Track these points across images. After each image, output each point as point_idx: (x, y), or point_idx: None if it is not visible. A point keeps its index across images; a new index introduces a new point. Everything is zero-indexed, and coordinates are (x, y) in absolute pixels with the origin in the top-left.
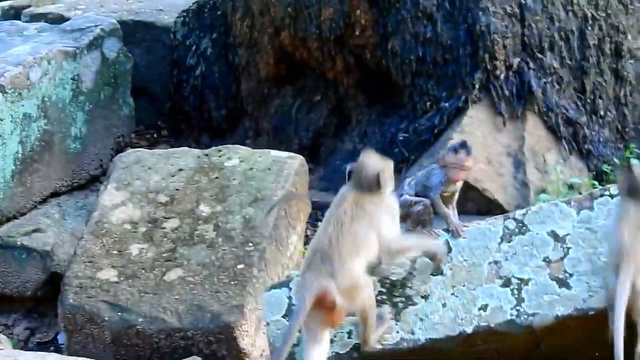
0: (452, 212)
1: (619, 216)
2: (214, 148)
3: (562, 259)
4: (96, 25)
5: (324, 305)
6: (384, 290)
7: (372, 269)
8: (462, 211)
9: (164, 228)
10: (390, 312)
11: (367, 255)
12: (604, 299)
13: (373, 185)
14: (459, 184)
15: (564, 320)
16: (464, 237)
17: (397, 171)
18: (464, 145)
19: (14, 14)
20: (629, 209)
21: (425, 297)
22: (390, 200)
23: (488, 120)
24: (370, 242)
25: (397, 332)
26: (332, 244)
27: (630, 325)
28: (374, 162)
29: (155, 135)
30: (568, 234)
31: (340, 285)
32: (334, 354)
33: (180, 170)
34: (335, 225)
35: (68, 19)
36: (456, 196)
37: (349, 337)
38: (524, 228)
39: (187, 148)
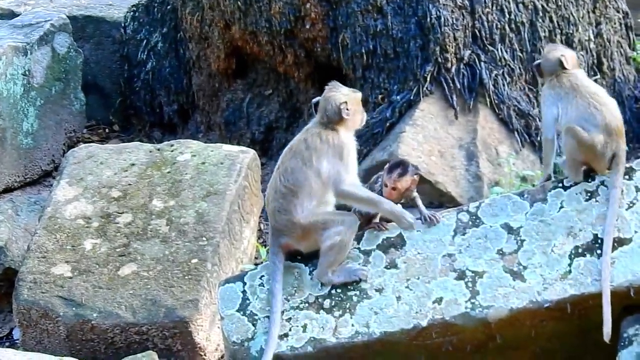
0: (418, 203)
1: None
2: (165, 143)
3: (516, 251)
4: (46, 21)
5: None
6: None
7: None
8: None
9: (117, 223)
10: (363, 274)
11: (310, 195)
12: (558, 290)
13: (335, 116)
14: (409, 189)
15: (519, 313)
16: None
17: None
18: (398, 164)
19: None
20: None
21: (379, 291)
22: (345, 137)
23: (440, 113)
24: (307, 181)
25: (352, 325)
26: (276, 191)
27: None
28: (337, 92)
29: (106, 131)
30: (521, 226)
31: (294, 236)
32: (288, 347)
33: (133, 165)
34: (280, 166)
35: (18, 15)
36: (414, 194)
37: (304, 331)
38: (478, 221)
39: (139, 143)
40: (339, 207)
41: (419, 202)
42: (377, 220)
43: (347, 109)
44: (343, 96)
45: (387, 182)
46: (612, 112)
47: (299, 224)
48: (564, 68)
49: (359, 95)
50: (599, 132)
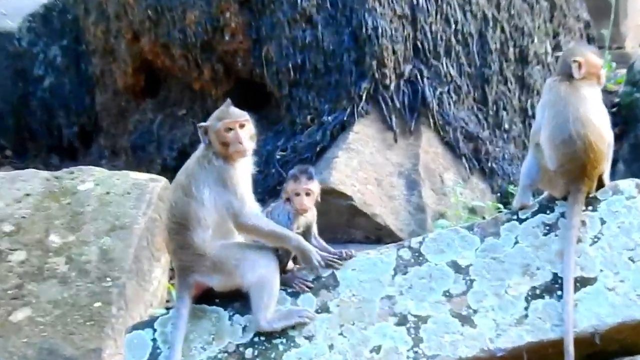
0: (317, 243)
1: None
2: (65, 170)
3: (464, 293)
4: None
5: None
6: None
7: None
8: (349, 240)
9: (9, 262)
10: (309, 315)
11: (202, 225)
12: (513, 337)
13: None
14: (311, 215)
15: None
16: (338, 267)
17: (275, 194)
18: (303, 170)
19: None
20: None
21: (309, 338)
22: (225, 163)
23: (377, 136)
24: (192, 213)
25: None
26: (169, 230)
27: None
28: (212, 116)
29: None
30: (471, 265)
31: (203, 270)
32: None
33: (27, 195)
34: (168, 202)
35: None
36: (314, 228)
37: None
38: (421, 258)
39: (34, 170)
40: None
41: (316, 232)
42: (290, 266)
43: (206, 137)
44: (209, 121)
45: (299, 189)
46: (591, 128)
47: (206, 255)
48: (571, 76)
49: (220, 123)
50: (560, 150)
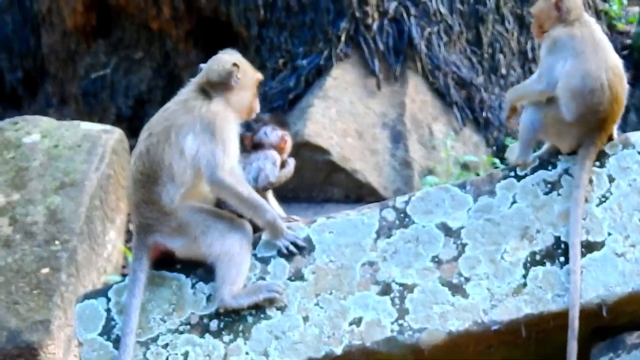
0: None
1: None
2: (8, 120)
3: (455, 258)
4: None
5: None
6: None
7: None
8: (326, 199)
9: None
10: (278, 290)
11: (174, 180)
12: (510, 309)
13: (219, 79)
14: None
15: (460, 337)
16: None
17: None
18: (276, 120)
19: None
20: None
21: (281, 309)
22: (221, 109)
23: (357, 83)
24: (166, 163)
25: (247, 353)
26: (135, 181)
27: None
28: (232, 56)
29: None
30: (463, 227)
31: (166, 230)
32: None
33: None
34: (136, 149)
35: None
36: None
37: None
38: (407, 219)
39: None
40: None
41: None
42: None
43: (237, 77)
44: (237, 61)
45: (285, 136)
46: (619, 78)
47: (172, 213)
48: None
49: (257, 75)
50: (586, 100)
